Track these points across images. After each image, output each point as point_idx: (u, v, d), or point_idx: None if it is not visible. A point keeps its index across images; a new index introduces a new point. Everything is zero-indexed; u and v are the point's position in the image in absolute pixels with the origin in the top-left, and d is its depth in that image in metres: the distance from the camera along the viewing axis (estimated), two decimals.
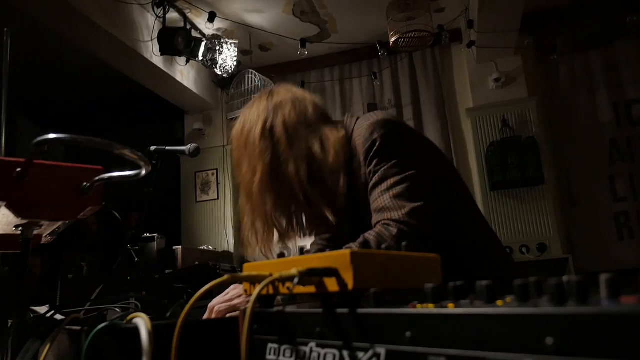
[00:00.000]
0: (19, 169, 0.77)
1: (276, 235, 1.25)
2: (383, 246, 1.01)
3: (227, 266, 3.52)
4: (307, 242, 1.46)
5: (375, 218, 1.15)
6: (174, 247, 4.31)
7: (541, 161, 4.66)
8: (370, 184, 1.18)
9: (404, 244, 0.60)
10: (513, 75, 4.94)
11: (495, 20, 4.33)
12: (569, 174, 4.90)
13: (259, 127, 1.22)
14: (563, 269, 4.31)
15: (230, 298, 1.13)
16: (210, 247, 5.27)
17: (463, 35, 5.05)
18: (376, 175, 1.17)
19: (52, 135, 0.74)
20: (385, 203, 1.13)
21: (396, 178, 1.14)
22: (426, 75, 5.28)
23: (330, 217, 1.20)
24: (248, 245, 1.24)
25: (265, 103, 1.26)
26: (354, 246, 1.05)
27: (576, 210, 4.83)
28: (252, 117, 1.25)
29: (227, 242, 5.47)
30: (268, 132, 1.21)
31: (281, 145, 1.19)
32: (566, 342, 0.34)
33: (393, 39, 4.06)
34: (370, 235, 1.10)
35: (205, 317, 1.13)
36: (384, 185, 1.15)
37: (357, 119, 1.28)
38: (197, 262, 3.93)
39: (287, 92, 1.29)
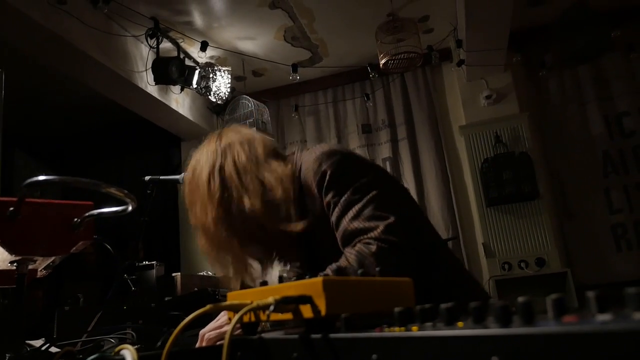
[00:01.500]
0: (11, 208, 0.80)
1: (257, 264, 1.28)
2: (366, 262, 1.06)
3: (226, 291, 3.52)
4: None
5: (348, 245, 1.16)
6: (173, 274, 4.31)
7: (536, 176, 4.69)
8: (334, 216, 1.19)
9: (377, 269, 0.63)
10: (504, 91, 5.01)
11: (483, 38, 4.41)
12: (564, 188, 4.93)
13: (208, 169, 1.25)
14: (562, 283, 4.32)
15: (220, 325, 1.15)
16: (209, 272, 5.26)
17: (453, 55, 5.13)
18: (338, 206, 1.18)
19: (41, 178, 0.77)
20: (359, 227, 1.14)
21: (360, 204, 1.16)
22: (418, 95, 5.34)
23: (289, 247, 1.25)
24: (230, 279, 1.29)
25: (214, 145, 1.30)
26: (330, 272, 1.09)
27: (573, 223, 4.84)
28: (202, 160, 1.29)
29: None
30: (218, 172, 1.24)
31: (232, 183, 1.22)
32: None
33: (383, 61, 4.13)
34: (350, 254, 1.12)
35: (197, 345, 1.15)
36: (351, 214, 1.16)
37: (302, 154, 1.32)
38: (196, 289, 3.93)
39: (235, 133, 1.33)
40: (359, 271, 0.64)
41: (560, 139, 4.99)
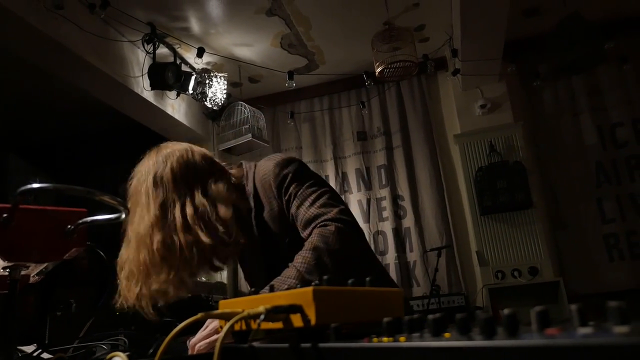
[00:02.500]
0: (4, 215, 0.80)
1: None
2: (329, 241, 1.19)
3: (220, 297, 3.52)
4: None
5: (307, 229, 1.28)
6: None
7: (529, 185, 4.72)
8: (294, 207, 1.32)
9: (368, 279, 0.64)
10: (498, 101, 5.05)
11: (478, 48, 4.45)
12: (558, 197, 4.96)
13: (150, 178, 1.29)
14: (555, 292, 4.34)
15: (208, 334, 1.15)
16: (203, 278, 5.24)
17: (448, 64, 5.17)
18: (297, 198, 1.32)
19: (35, 185, 0.78)
20: (315, 212, 1.28)
21: (315, 193, 1.32)
22: (414, 103, 5.37)
23: (217, 261, 1.30)
24: (130, 290, 1.25)
25: (154, 157, 1.35)
26: (300, 261, 1.19)
27: (566, 233, 4.87)
28: (143, 171, 1.33)
29: (221, 274, 5.46)
30: (159, 180, 1.28)
31: (169, 190, 1.27)
32: None
33: (379, 70, 4.15)
34: (313, 238, 1.22)
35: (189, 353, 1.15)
36: (308, 202, 1.30)
37: (256, 164, 1.44)
38: (189, 295, 3.92)
39: (175, 145, 1.41)
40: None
41: (554, 149, 5.03)
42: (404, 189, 5.21)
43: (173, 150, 1.37)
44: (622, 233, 4.70)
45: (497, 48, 4.49)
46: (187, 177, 1.30)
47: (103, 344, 1.27)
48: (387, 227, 5.17)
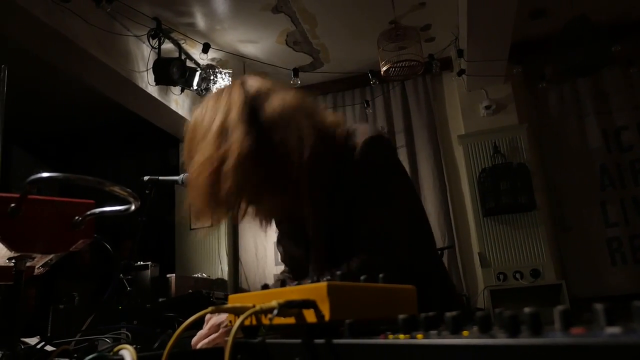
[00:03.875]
0: (12, 205, 0.80)
1: None
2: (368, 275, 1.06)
3: (221, 294, 3.51)
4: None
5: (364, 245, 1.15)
6: (168, 275, 4.30)
7: (533, 187, 4.71)
8: (363, 203, 1.17)
9: (381, 275, 0.63)
10: (503, 102, 5.03)
11: (484, 49, 4.44)
12: (561, 200, 4.94)
13: (237, 111, 1.10)
14: (557, 294, 4.32)
15: (207, 333, 1.13)
16: (204, 274, 5.25)
17: (453, 64, 5.16)
18: (368, 202, 1.17)
19: (45, 174, 0.77)
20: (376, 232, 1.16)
21: (389, 212, 1.18)
22: (418, 103, 5.36)
23: (306, 209, 1.18)
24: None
25: (239, 91, 1.16)
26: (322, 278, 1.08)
27: (569, 235, 4.86)
28: (225, 102, 1.14)
29: (222, 270, 5.46)
30: (250, 114, 1.10)
31: (268, 127, 1.10)
32: None
33: (384, 68, 4.14)
34: (357, 262, 1.12)
35: None
36: (376, 216, 1.16)
37: (359, 131, 1.23)
38: (190, 290, 3.92)
39: (266, 82, 1.23)
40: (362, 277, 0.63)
41: (558, 151, 5.02)
42: None
43: (267, 86, 1.20)
44: (625, 237, 4.69)
45: (503, 49, 4.48)
46: (293, 115, 1.14)
47: (106, 337, 1.27)
48: None
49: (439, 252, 4.42)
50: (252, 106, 1.11)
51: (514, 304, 4.36)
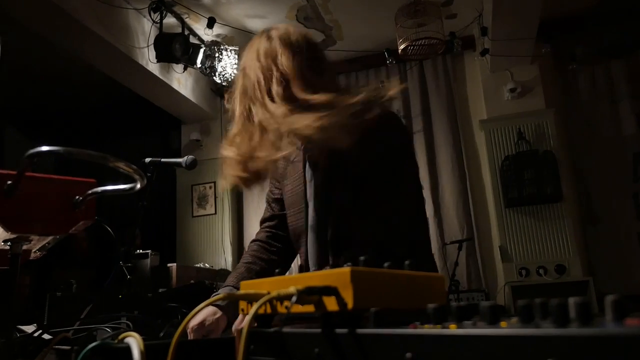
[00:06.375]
0: (9, 182, 0.79)
1: None
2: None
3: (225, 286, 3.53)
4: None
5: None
6: (169, 265, 4.33)
7: (559, 177, 4.66)
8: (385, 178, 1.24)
9: (407, 262, 0.62)
10: (529, 85, 4.97)
11: (510, 27, 4.37)
12: (590, 191, 4.90)
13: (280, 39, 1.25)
14: (583, 292, 4.29)
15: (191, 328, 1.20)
16: (206, 264, 5.28)
17: (476, 43, 5.09)
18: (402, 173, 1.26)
19: (45, 148, 0.76)
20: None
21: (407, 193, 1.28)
22: (437, 85, 5.31)
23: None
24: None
25: (275, 31, 1.29)
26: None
27: (597, 229, 4.82)
28: (267, 41, 1.27)
29: (225, 260, 5.48)
30: (292, 42, 1.25)
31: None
32: None
33: (402, 47, 4.10)
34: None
35: None
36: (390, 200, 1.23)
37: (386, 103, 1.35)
38: (192, 281, 3.95)
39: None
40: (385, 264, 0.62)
41: (588, 139, 4.96)
42: (423, 177, 5.17)
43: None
44: None
45: (531, 27, 4.41)
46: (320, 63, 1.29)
47: (106, 326, 1.27)
48: None
49: (458, 244, 4.41)
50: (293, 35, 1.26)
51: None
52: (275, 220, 1.50)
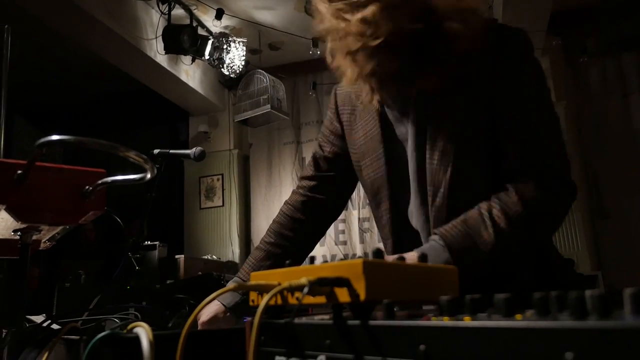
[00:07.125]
0: (19, 171, 0.79)
1: None
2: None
3: (232, 277, 3.54)
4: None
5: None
6: (176, 256, 4.34)
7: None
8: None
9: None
10: None
11: (520, 18, 4.33)
12: (600, 185, 4.87)
13: None
14: (592, 287, 4.26)
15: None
16: (214, 256, 5.29)
17: None
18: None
19: (55, 137, 0.76)
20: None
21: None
22: None
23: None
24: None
25: None
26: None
27: (607, 224, 4.79)
28: None
29: (232, 252, 5.50)
30: None
31: None
32: (587, 357, 0.34)
33: None
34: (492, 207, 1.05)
35: None
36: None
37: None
38: (200, 273, 3.96)
39: None
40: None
41: (599, 132, 4.92)
42: None
43: None
44: None
45: (542, 19, 4.37)
46: None
47: (114, 317, 1.28)
48: None
49: None
50: None
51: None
52: (316, 180, 1.36)
